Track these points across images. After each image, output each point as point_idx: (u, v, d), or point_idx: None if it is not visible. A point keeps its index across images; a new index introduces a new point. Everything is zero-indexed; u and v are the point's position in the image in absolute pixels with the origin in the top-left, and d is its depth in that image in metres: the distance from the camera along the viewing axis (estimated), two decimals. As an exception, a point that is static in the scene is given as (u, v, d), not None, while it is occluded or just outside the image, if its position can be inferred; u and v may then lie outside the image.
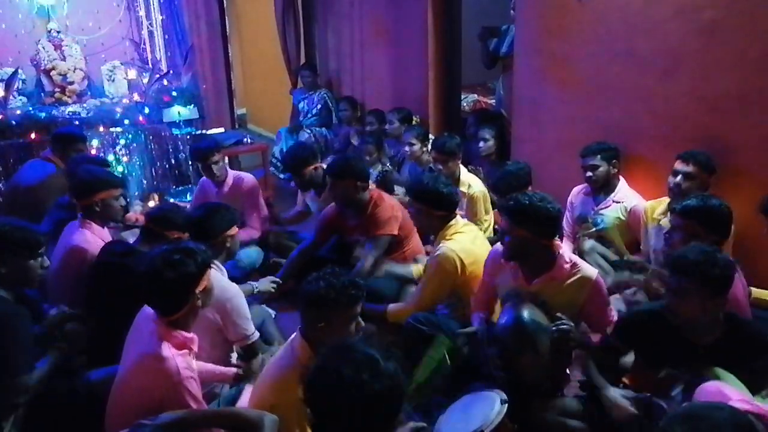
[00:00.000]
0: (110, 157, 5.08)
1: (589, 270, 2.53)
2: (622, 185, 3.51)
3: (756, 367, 2.08)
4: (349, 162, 3.48)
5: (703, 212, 2.48)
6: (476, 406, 2.19)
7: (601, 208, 3.52)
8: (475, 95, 6.43)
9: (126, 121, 5.32)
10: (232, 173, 4.09)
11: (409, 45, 5.38)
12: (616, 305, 2.79)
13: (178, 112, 5.60)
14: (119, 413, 2.03)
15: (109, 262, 2.73)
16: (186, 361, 1.99)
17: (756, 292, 2.70)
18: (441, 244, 2.90)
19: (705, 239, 2.37)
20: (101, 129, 5.18)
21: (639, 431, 2.10)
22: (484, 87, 6.57)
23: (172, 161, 5.52)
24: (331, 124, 6.29)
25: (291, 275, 3.56)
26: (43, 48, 5.30)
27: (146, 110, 5.46)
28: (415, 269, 3.36)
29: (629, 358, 2.45)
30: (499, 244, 2.61)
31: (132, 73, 5.72)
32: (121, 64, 5.72)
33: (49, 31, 5.35)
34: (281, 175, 6.15)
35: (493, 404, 2.13)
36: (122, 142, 5.26)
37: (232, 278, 2.74)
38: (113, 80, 5.66)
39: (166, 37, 6.01)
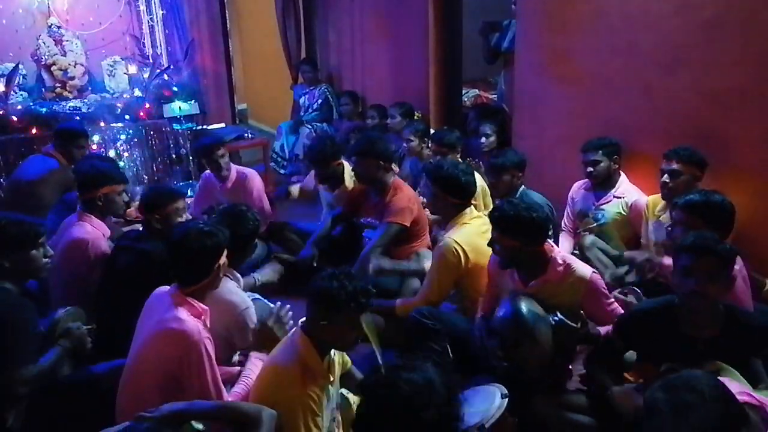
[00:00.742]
0: (111, 153, 5.10)
1: (584, 269, 2.52)
2: (623, 180, 3.50)
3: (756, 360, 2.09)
4: (373, 141, 3.54)
5: (706, 208, 2.48)
6: (477, 400, 2.19)
7: (602, 204, 3.51)
8: (477, 90, 6.39)
9: (127, 117, 5.32)
10: (235, 168, 4.09)
11: (410, 40, 5.37)
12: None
13: (179, 108, 5.60)
14: (133, 391, 2.06)
15: (124, 246, 2.81)
16: (201, 326, 2.06)
17: None
18: (444, 236, 2.90)
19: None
20: (102, 124, 5.19)
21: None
22: (486, 82, 6.53)
23: (173, 156, 5.53)
24: (332, 119, 6.28)
25: (323, 239, 3.74)
26: (44, 43, 5.29)
27: (147, 105, 5.46)
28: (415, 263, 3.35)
29: (632, 354, 2.45)
30: None
31: (132, 69, 5.71)
32: (122, 59, 5.72)
33: (50, 26, 5.34)
34: (282, 171, 6.16)
35: (493, 398, 2.12)
36: (123, 137, 5.27)
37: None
38: (114, 75, 5.66)
39: (167, 32, 6.01)
